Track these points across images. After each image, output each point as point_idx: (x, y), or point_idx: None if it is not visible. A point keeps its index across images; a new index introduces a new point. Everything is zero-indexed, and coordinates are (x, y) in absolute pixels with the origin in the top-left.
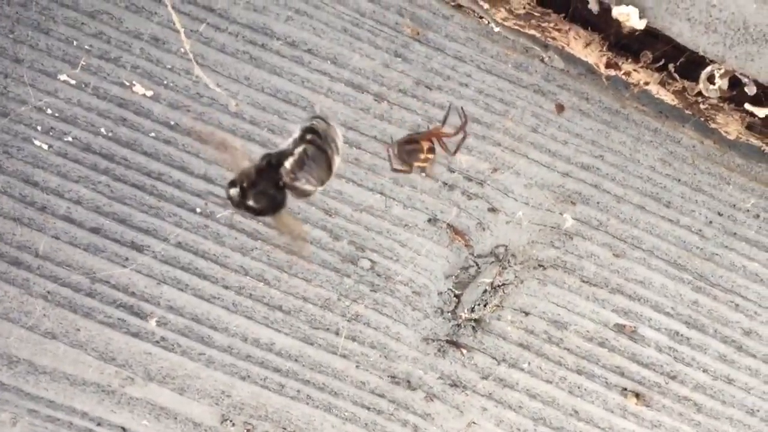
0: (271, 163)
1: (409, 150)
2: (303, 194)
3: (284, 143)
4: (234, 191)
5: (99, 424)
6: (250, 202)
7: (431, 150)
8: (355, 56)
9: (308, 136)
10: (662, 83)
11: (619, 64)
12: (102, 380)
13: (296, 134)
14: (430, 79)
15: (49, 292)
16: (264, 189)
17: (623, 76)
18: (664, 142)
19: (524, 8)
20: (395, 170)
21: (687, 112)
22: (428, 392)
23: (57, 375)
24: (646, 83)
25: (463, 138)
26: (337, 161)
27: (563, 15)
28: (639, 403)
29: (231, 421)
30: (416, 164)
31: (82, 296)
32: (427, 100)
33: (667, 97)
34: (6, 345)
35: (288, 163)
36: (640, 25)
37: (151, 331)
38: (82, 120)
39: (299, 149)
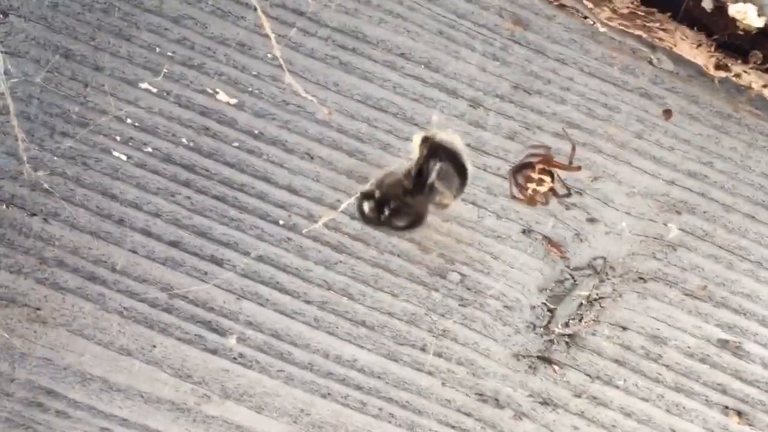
0: (411, 178)
1: (523, 175)
2: (442, 207)
3: (410, 156)
4: (368, 205)
5: None
6: (400, 223)
7: (544, 172)
8: (450, 60)
9: (439, 145)
10: None
11: (729, 65)
12: (177, 398)
13: (419, 146)
14: (529, 83)
15: (125, 308)
16: (413, 209)
17: (733, 78)
18: None
19: (628, 7)
20: (514, 198)
21: None
22: (517, 410)
23: (131, 393)
24: (761, 85)
25: (572, 165)
26: (469, 169)
27: (670, 14)
28: (741, 422)
29: None
30: (531, 190)
31: (159, 312)
32: (525, 105)
33: None
34: (80, 362)
35: (433, 178)
36: (758, 22)
37: (229, 348)
38: (162, 130)
39: (438, 164)
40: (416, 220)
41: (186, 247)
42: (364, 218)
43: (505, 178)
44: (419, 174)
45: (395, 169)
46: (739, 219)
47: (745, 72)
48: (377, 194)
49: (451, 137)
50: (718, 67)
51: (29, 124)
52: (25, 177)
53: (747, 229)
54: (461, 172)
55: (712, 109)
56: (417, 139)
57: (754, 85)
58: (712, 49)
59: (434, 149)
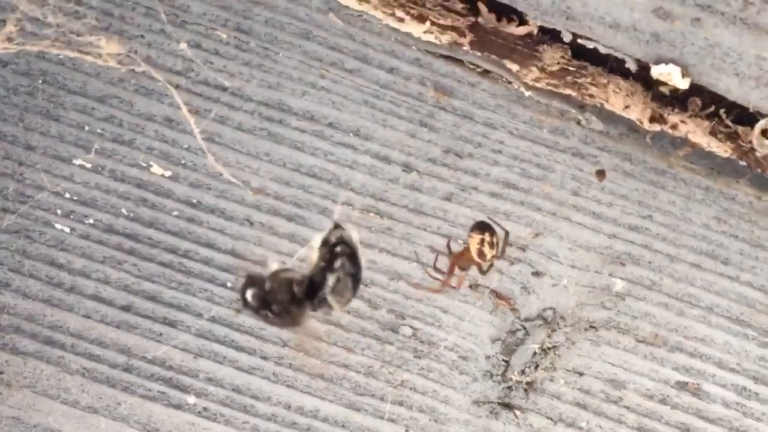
0: (309, 287)
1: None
2: (326, 311)
3: (309, 257)
4: (251, 292)
5: None
6: (275, 321)
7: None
8: (378, 128)
9: (339, 254)
10: (713, 133)
11: (665, 116)
12: None
13: (319, 247)
14: (460, 147)
15: (86, 369)
16: (295, 313)
17: (669, 130)
18: (718, 199)
19: (558, 63)
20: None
21: (742, 163)
22: None
23: None
24: (694, 135)
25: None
26: (362, 278)
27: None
28: None
29: None
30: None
31: (120, 372)
32: (458, 168)
33: (720, 148)
34: (48, 421)
35: (328, 292)
36: (683, 84)
37: (192, 403)
38: (101, 202)
39: (334, 275)
40: (294, 323)
41: (138, 310)
42: (244, 303)
43: (446, 236)
44: (311, 282)
45: (292, 267)
46: (685, 268)
47: (683, 122)
48: (267, 287)
49: (353, 233)
50: (653, 119)
51: None
52: None
53: (694, 277)
54: (356, 275)
55: (646, 166)
56: (316, 241)
57: (690, 136)
58: (648, 99)
59: (333, 256)
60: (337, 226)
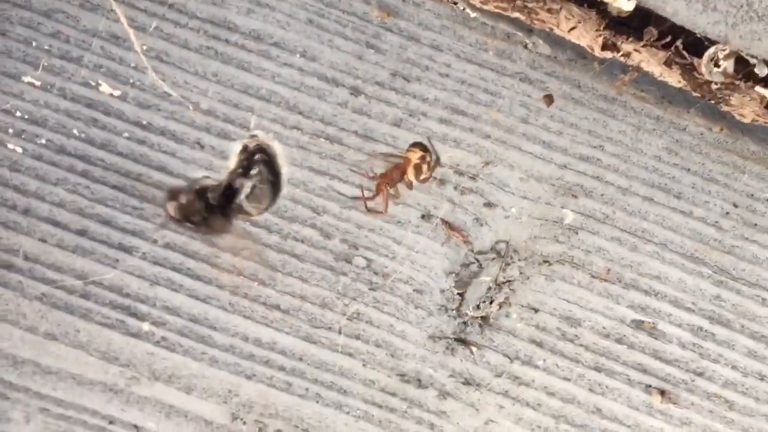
0: (224, 194)
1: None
2: (251, 217)
3: (227, 164)
4: (172, 206)
5: (111, 422)
6: (201, 229)
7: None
8: (325, 48)
9: (256, 162)
10: (668, 63)
11: (618, 44)
12: (107, 380)
13: (237, 155)
14: (407, 71)
15: (43, 294)
16: (213, 213)
17: (621, 58)
18: (668, 129)
19: None
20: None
21: (695, 94)
22: (441, 390)
23: (63, 375)
24: (647, 65)
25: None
26: (284, 184)
27: None
28: (664, 401)
29: (242, 419)
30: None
31: (77, 298)
32: (406, 92)
33: (673, 78)
34: (9, 346)
35: (243, 198)
36: (628, 5)
37: (150, 332)
38: (52, 122)
39: (250, 182)
40: (217, 231)
41: (93, 235)
42: (169, 217)
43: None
44: (227, 189)
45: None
46: (638, 202)
47: (636, 51)
48: (183, 199)
49: (271, 143)
50: (605, 47)
51: None
52: None
53: (647, 212)
54: (275, 183)
55: (595, 93)
56: (236, 147)
57: (644, 65)
58: (601, 27)
59: (250, 163)
60: (253, 135)
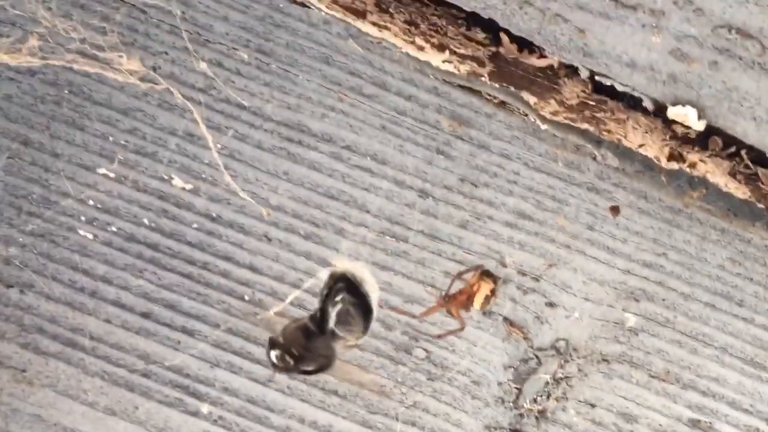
0: (317, 321)
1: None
2: (350, 348)
3: (315, 296)
4: (275, 354)
5: None
6: (307, 368)
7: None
8: (395, 153)
9: (339, 289)
10: (732, 173)
11: (684, 154)
12: None
13: (326, 284)
14: (475, 177)
15: (105, 372)
16: (317, 352)
17: (687, 168)
18: (733, 241)
19: (578, 97)
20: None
21: (759, 205)
22: None
23: None
24: (713, 175)
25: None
26: (374, 306)
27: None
28: None
29: None
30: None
31: (138, 376)
32: (474, 197)
33: (738, 190)
34: (70, 421)
35: (332, 323)
36: (698, 126)
37: (207, 412)
38: (124, 212)
39: (337, 307)
40: (325, 364)
41: (157, 318)
42: (274, 367)
43: (459, 263)
44: (322, 316)
45: (301, 317)
46: (700, 307)
47: (702, 161)
48: (281, 340)
49: (359, 270)
50: (671, 157)
51: None
52: None
53: (708, 317)
54: (365, 309)
55: (661, 204)
56: (323, 275)
57: (709, 176)
58: (667, 137)
59: (337, 288)
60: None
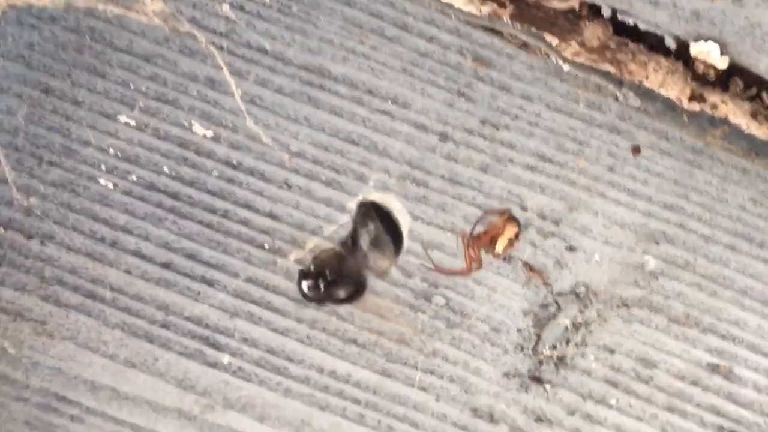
0: (348, 247)
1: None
2: (381, 274)
3: (346, 225)
4: (307, 284)
5: None
6: (340, 293)
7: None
8: (416, 96)
9: (370, 216)
10: (753, 115)
11: (704, 95)
12: (182, 407)
13: (355, 211)
14: (496, 119)
15: (125, 323)
16: (349, 275)
17: (709, 109)
18: (755, 181)
19: (598, 39)
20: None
21: None
22: (512, 426)
23: (139, 401)
24: (734, 116)
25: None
26: (405, 231)
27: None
28: None
29: None
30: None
31: (158, 328)
32: (495, 139)
33: (759, 131)
34: (89, 373)
35: (364, 243)
36: (721, 63)
37: (227, 362)
38: (144, 160)
39: (368, 231)
40: (357, 290)
41: (177, 268)
42: (306, 297)
43: (479, 207)
44: (353, 242)
45: (333, 244)
46: (720, 249)
47: (723, 102)
48: (312, 268)
49: (388, 200)
50: (692, 98)
51: (17, 155)
52: (19, 203)
53: (729, 259)
54: (396, 235)
55: (682, 144)
56: (352, 204)
57: (730, 117)
58: (688, 79)
59: (368, 215)
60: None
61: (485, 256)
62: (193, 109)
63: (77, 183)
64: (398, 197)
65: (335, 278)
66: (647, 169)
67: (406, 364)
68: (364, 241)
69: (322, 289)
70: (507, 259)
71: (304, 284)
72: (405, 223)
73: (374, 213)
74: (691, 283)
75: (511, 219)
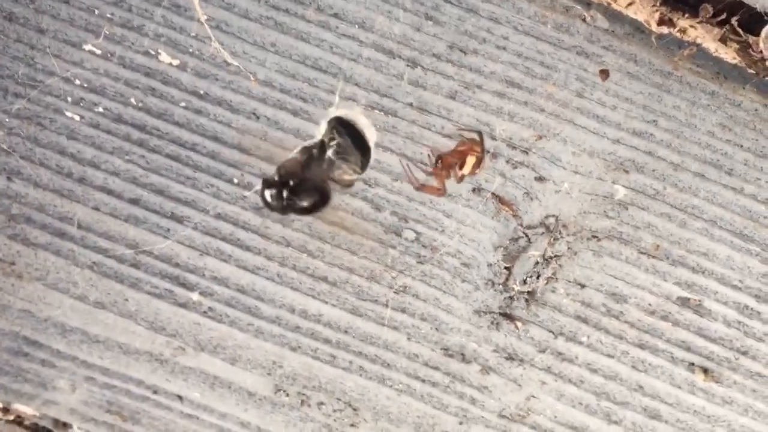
0: (313, 156)
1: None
2: (346, 184)
3: (315, 136)
4: (269, 192)
5: (155, 392)
6: (303, 202)
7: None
8: (384, 20)
9: (337, 129)
10: (723, 40)
11: (674, 20)
12: (153, 349)
13: (325, 125)
14: (464, 43)
15: (94, 263)
16: (312, 184)
17: (677, 34)
18: (723, 105)
19: None
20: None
21: (750, 71)
22: (483, 365)
23: (110, 344)
24: (703, 40)
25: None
26: (372, 146)
27: None
28: (707, 379)
29: (284, 391)
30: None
31: (127, 267)
32: (463, 65)
33: (728, 55)
34: (59, 315)
35: (331, 153)
36: None
37: (198, 302)
38: (110, 90)
39: (337, 139)
40: (320, 199)
41: (146, 204)
42: (268, 206)
43: (450, 137)
44: (321, 152)
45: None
46: (689, 177)
47: (692, 27)
48: (276, 177)
49: (355, 115)
50: (661, 22)
51: None
52: None
53: (698, 188)
54: (363, 148)
55: (651, 68)
56: (324, 121)
57: (699, 41)
58: (657, 2)
59: (336, 128)
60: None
61: (452, 182)
62: (159, 35)
63: (43, 115)
64: (365, 110)
65: (298, 186)
66: (616, 94)
67: (376, 301)
68: (331, 151)
69: (285, 198)
70: (477, 191)
71: (267, 193)
72: (372, 137)
73: (342, 127)
74: (661, 213)
75: (473, 141)
